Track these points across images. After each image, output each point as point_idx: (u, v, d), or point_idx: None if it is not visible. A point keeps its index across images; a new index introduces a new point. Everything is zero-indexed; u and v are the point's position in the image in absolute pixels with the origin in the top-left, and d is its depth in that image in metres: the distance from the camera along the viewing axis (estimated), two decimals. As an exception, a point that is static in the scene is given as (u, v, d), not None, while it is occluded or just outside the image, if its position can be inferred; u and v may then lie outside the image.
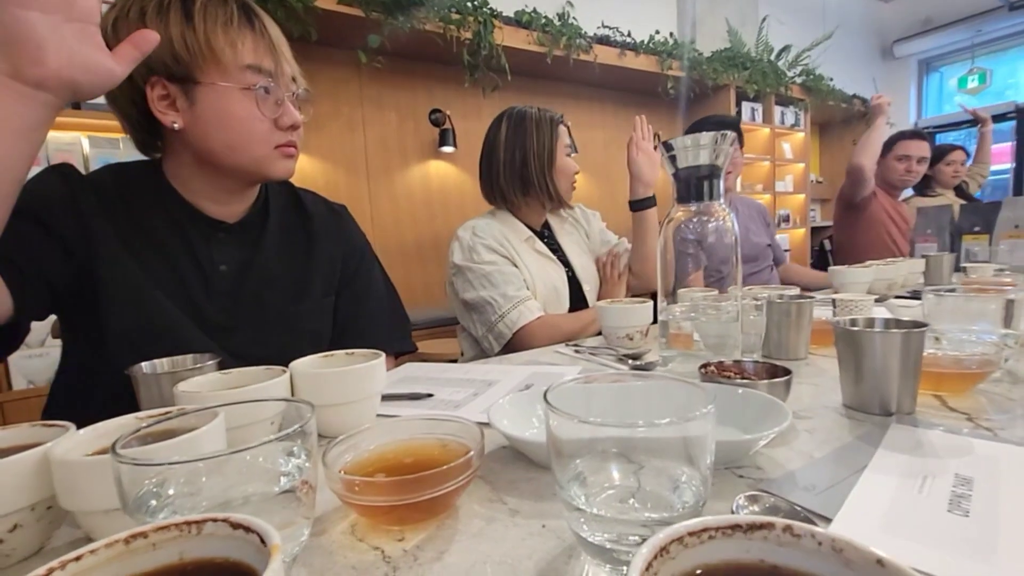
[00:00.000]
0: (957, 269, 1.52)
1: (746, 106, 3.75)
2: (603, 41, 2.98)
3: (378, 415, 0.60)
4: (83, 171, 0.73)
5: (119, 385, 0.55)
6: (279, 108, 0.71)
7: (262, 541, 0.22)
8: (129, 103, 0.70)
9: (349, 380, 0.54)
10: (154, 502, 0.31)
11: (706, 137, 0.59)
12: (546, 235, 1.28)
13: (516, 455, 0.49)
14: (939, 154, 2.72)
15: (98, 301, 0.67)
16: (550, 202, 1.21)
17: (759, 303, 0.76)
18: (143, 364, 0.56)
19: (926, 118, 5.62)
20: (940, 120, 5.51)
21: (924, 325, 0.55)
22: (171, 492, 0.32)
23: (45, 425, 0.42)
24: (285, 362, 0.57)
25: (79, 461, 0.35)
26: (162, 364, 0.57)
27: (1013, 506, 0.37)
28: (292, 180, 0.83)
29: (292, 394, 0.54)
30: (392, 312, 0.92)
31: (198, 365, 0.56)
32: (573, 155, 1.22)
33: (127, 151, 1.97)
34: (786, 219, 4.23)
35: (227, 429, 0.39)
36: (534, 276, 1.15)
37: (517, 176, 1.17)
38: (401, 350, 0.91)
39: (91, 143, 1.96)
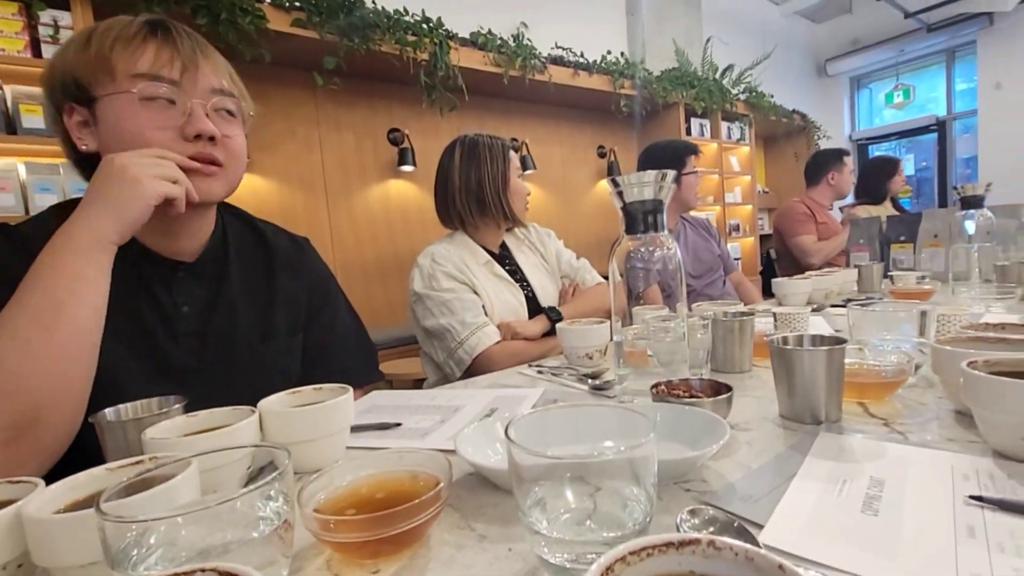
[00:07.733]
0: (885, 276, 1.64)
1: (695, 122, 3.94)
2: (557, 61, 3.08)
3: (348, 447, 0.62)
4: (22, 201, 0.71)
5: (82, 434, 0.55)
6: (185, 119, 0.67)
7: (250, 587, 0.24)
8: (61, 135, 0.69)
9: (319, 417, 0.56)
10: (135, 553, 0.33)
11: (649, 175, 0.64)
12: (505, 257, 1.33)
13: (482, 481, 0.52)
14: (893, 167, 2.83)
15: None
16: (505, 221, 1.27)
17: (705, 322, 0.81)
18: (107, 411, 0.55)
19: (860, 130, 6.04)
20: (872, 132, 5.92)
21: (844, 341, 0.61)
22: (152, 541, 0.33)
23: (11, 482, 0.42)
24: (254, 402, 0.57)
25: (55, 519, 0.36)
26: (126, 410, 0.57)
27: (916, 504, 0.43)
28: (248, 201, 0.82)
29: (262, 432, 0.55)
30: (358, 344, 0.93)
31: (164, 410, 0.56)
32: (531, 172, 1.29)
33: (68, 177, 1.87)
34: (736, 228, 4.44)
35: (200, 471, 0.41)
36: (493, 300, 1.19)
37: (474, 199, 1.23)
38: (368, 380, 0.92)
39: (28, 169, 1.83)
